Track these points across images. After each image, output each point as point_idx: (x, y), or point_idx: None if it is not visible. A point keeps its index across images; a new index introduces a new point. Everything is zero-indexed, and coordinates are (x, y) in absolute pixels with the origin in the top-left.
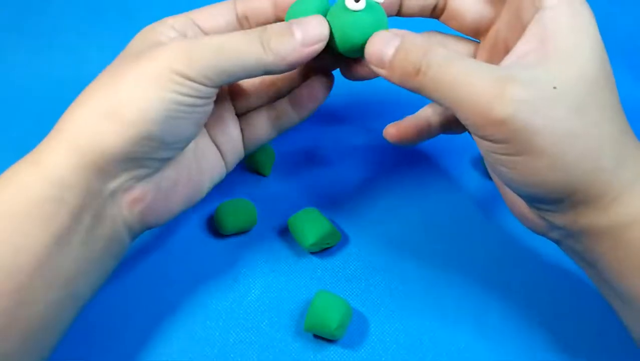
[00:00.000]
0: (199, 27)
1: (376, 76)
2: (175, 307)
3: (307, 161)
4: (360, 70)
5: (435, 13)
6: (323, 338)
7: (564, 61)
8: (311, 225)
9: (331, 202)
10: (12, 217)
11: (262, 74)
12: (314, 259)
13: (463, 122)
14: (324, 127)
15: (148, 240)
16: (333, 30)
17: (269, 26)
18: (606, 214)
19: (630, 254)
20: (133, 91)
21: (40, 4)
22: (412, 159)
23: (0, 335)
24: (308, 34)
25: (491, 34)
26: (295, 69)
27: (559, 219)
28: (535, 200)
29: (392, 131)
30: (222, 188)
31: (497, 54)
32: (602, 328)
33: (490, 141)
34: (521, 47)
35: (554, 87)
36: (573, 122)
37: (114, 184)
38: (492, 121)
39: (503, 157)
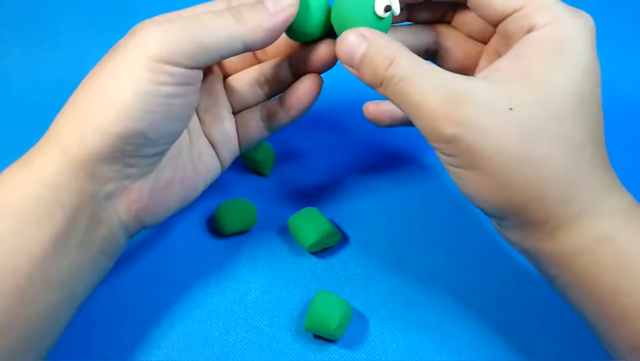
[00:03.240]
0: None
1: None
2: (175, 307)
3: (307, 161)
4: None
5: (447, 18)
6: (323, 338)
7: (530, 84)
8: (311, 225)
9: (331, 202)
10: (6, 217)
11: (242, 50)
12: (314, 259)
13: (419, 130)
14: (323, 127)
15: (148, 240)
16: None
17: (243, 3)
18: (550, 240)
19: (577, 282)
20: (109, 88)
21: (40, 4)
22: (412, 159)
23: (0, 333)
24: (279, 2)
25: (491, 42)
26: (273, 41)
27: (509, 234)
28: (484, 211)
29: (370, 109)
30: (222, 188)
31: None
32: None
33: (441, 152)
34: (497, 63)
35: (510, 109)
36: (521, 149)
37: (108, 186)
38: (441, 138)
39: (452, 168)
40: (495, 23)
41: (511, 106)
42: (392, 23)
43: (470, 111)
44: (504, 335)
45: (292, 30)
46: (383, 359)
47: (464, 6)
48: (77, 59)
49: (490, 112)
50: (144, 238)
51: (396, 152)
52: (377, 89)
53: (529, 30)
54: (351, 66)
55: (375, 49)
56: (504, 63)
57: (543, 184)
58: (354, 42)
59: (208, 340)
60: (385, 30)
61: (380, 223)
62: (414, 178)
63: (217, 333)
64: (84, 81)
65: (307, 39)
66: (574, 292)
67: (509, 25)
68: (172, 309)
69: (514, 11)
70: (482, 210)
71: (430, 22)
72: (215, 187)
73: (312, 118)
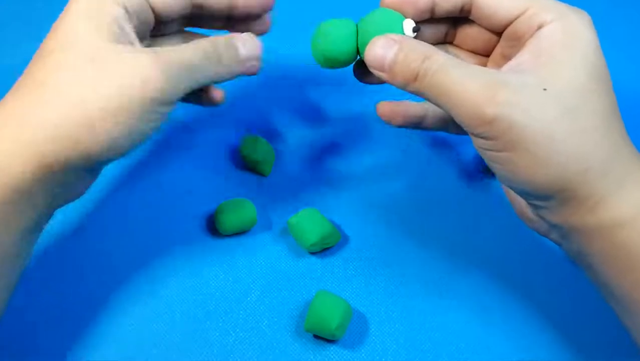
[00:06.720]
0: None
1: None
2: (175, 307)
3: (307, 161)
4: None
5: (448, 38)
6: (323, 338)
7: (555, 67)
8: (311, 225)
9: (331, 202)
10: None
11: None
12: (314, 259)
13: (458, 122)
14: (323, 127)
15: (148, 240)
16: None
17: (218, 42)
18: (593, 214)
19: (619, 255)
20: (105, 120)
21: (40, 4)
22: (413, 159)
23: None
24: (249, 52)
25: (496, 50)
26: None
27: (551, 216)
28: (527, 195)
29: (385, 109)
30: (222, 188)
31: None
32: (604, 323)
33: (482, 138)
34: (517, 59)
35: (544, 89)
36: (562, 125)
37: (77, 181)
38: (483, 120)
39: (494, 153)
40: (500, 30)
41: (545, 87)
42: None
43: (510, 92)
44: (504, 335)
45: (325, 60)
46: (383, 359)
47: (465, 22)
48: None
49: (528, 92)
50: (144, 238)
51: (397, 153)
52: (410, 85)
53: (540, 27)
54: (382, 69)
55: (409, 48)
56: (525, 57)
57: (585, 157)
58: (385, 45)
59: (208, 340)
60: None
61: (381, 223)
62: (414, 179)
63: (217, 334)
64: (60, 79)
65: (339, 67)
66: (611, 267)
67: (517, 27)
68: (172, 309)
69: (519, 14)
70: (526, 194)
71: (433, 44)
72: (215, 187)
73: (313, 118)
